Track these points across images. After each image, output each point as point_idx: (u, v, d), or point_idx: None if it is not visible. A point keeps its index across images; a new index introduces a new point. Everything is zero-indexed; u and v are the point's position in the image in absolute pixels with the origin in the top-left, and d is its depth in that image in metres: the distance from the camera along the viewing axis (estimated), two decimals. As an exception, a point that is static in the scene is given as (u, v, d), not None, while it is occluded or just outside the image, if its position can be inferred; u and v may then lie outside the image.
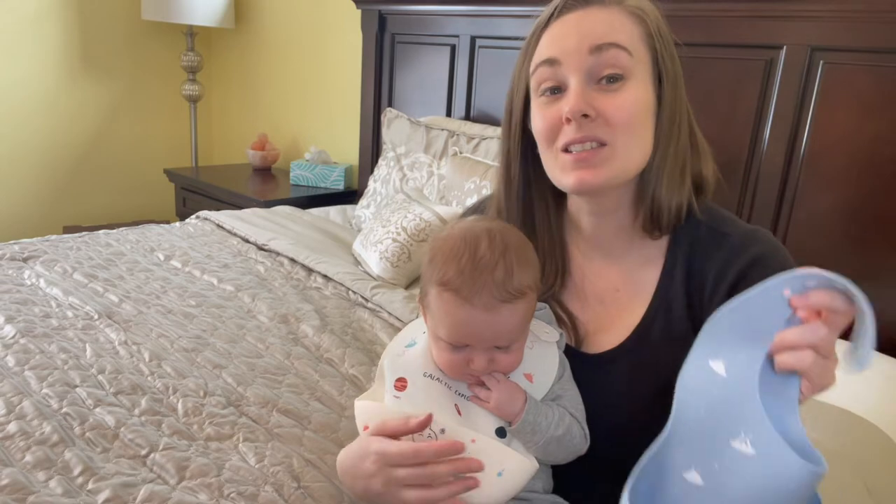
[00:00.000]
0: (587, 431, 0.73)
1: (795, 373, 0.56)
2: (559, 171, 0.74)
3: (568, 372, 0.75)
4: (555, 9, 0.74)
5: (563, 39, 0.72)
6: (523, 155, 0.80)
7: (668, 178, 0.74)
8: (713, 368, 0.56)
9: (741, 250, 0.73)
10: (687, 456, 0.56)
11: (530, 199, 0.81)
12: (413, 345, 0.76)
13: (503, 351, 0.69)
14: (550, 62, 0.72)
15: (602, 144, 0.70)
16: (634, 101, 0.71)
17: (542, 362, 0.73)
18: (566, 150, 0.72)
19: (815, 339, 0.55)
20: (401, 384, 0.72)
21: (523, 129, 0.79)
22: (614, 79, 0.70)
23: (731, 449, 0.54)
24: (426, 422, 0.66)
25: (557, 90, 0.73)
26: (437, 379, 0.72)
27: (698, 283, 0.75)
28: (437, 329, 0.70)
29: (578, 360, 0.76)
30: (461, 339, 0.68)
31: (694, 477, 0.55)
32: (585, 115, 0.69)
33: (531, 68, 0.75)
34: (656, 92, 0.74)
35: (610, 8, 0.72)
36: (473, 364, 0.68)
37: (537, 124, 0.75)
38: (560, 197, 0.82)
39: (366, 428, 0.73)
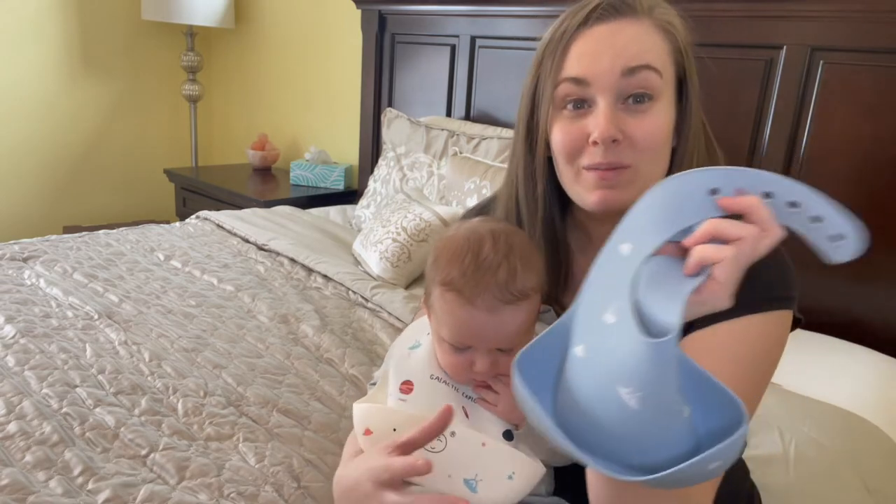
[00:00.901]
0: None
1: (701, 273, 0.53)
2: (580, 188, 0.73)
3: None
4: (586, 17, 0.71)
5: (593, 58, 0.69)
6: (542, 161, 0.77)
7: None
8: (620, 251, 0.55)
9: None
10: (579, 333, 0.56)
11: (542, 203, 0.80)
12: (417, 346, 0.76)
13: (506, 353, 0.69)
14: (578, 81, 0.70)
15: (625, 167, 0.70)
16: (661, 123, 0.70)
17: None
18: (589, 168, 0.71)
19: (746, 234, 0.51)
20: (406, 387, 0.71)
21: (546, 140, 0.76)
22: (642, 98, 0.69)
23: (603, 321, 0.53)
24: (447, 414, 0.62)
25: (581, 104, 0.71)
26: (444, 381, 0.72)
27: None
28: (441, 330, 0.70)
29: None
30: (463, 340, 0.68)
31: (579, 350, 0.54)
32: (614, 140, 0.68)
33: (556, 81, 0.72)
34: (678, 106, 0.72)
35: (641, 20, 0.70)
36: (476, 366, 0.68)
37: (558, 139, 0.73)
38: (565, 198, 0.81)
39: (367, 432, 0.72)
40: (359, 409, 0.73)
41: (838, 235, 0.50)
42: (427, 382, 0.71)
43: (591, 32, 0.70)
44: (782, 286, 0.71)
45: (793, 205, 0.51)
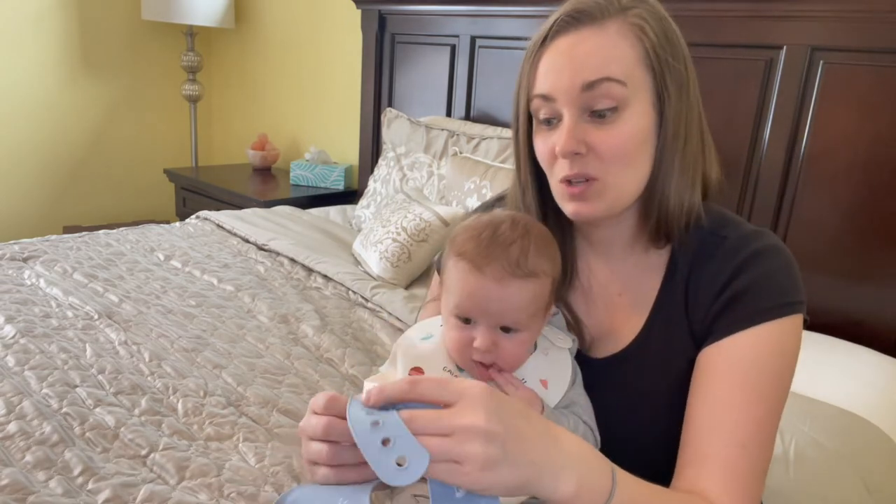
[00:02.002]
0: (598, 438, 0.73)
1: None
2: (559, 198, 0.75)
3: (579, 378, 0.75)
4: (548, 31, 0.72)
5: (555, 74, 0.70)
6: (533, 171, 0.80)
7: (675, 192, 0.73)
8: None
9: (736, 251, 0.73)
10: None
11: (540, 202, 0.81)
12: (430, 337, 0.76)
13: (508, 336, 0.69)
14: (545, 98, 0.72)
15: (593, 179, 0.71)
16: (627, 133, 0.70)
17: (556, 368, 0.73)
18: (561, 181, 0.73)
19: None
20: (417, 373, 0.72)
21: (530, 148, 0.78)
22: (605, 111, 0.69)
23: None
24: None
25: (553, 120, 0.73)
26: (455, 376, 0.72)
27: (695, 287, 0.75)
28: (449, 302, 0.71)
29: (584, 365, 0.77)
30: (469, 309, 0.68)
31: None
32: (577, 153, 0.70)
33: (528, 97, 0.74)
34: (658, 108, 0.72)
35: (605, 28, 0.69)
36: (476, 342, 0.68)
37: (538, 150, 0.75)
38: None
39: None
40: (368, 387, 0.73)
41: (402, 458, 0.50)
42: (438, 373, 0.71)
43: (554, 46, 0.71)
44: (794, 290, 0.71)
45: (374, 424, 0.52)
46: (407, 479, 0.50)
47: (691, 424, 0.71)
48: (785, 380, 0.71)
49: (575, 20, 0.70)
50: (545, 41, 0.72)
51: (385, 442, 0.50)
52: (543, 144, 0.74)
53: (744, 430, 0.67)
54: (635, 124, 0.70)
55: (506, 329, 0.69)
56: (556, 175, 0.73)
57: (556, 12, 0.72)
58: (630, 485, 0.60)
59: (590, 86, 0.68)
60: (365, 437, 0.51)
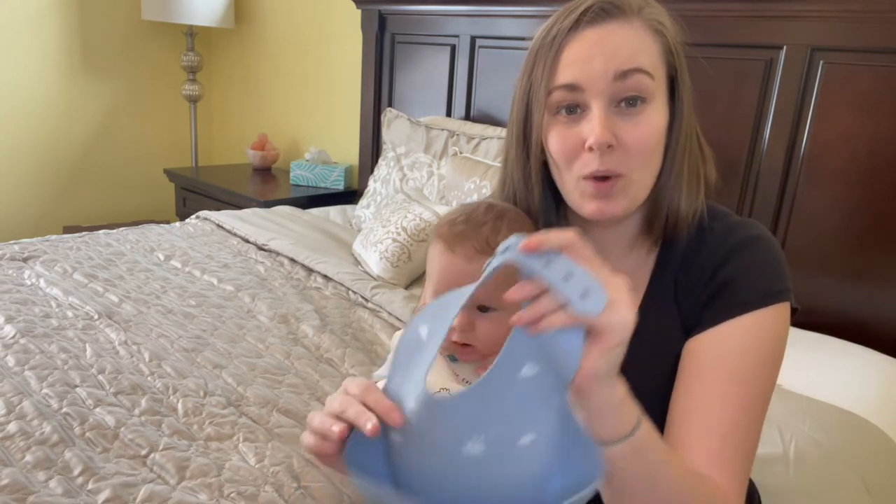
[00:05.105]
0: None
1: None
2: (577, 196, 0.73)
3: None
4: (575, 22, 0.70)
5: (585, 63, 0.68)
6: (544, 170, 0.77)
7: (686, 192, 0.74)
8: (419, 332, 0.57)
9: (722, 241, 0.74)
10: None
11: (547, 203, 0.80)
12: None
13: (485, 315, 0.69)
14: (571, 87, 0.69)
15: (619, 175, 0.69)
16: (653, 127, 0.70)
17: None
18: (586, 177, 0.71)
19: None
20: None
21: (541, 146, 0.76)
22: (635, 101, 0.69)
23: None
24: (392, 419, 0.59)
25: (575, 109, 0.71)
26: (446, 363, 0.73)
27: (685, 278, 0.76)
28: (428, 284, 0.73)
29: None
30: (443, 290, 0.69)
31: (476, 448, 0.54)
32: (609, 146, 0.68)
33: (549, 88, 0.71)
34: (669, 106, 0.72)
35: (632, 21, 0.69)
36: (454, 322, 0.68)
37: (554, 145, 0.72)
38: (559, 196, 0.81)
39: None
40: (377, 372, 0.75)
41: (585, 291, 0.51)
42: (437, 358, 0.72)
43: (581, 37, 0.69)
44: (779, 279, 0.72)
45: (548, 262, 0.52)
46: (595, 307, 0.50)
47: (676, 411, 0.71)
48: (770, 366, 0.71)
49: (605, 13, 0.69)
50: (569, 32, 0.70)
51: (566, 277, 0.51)
52: (563, 138, 0.71)
53: (728, 417, 0.68)
54: (657, 119, 0.70)
55: (483, 308, 0.69)
56: (580, 171, 0.71)
57: (577, 5, 0.71)
58: (652, 427, 0.61)
59: (622, 75, 0.68)
60: (546, 271, 0.50)
